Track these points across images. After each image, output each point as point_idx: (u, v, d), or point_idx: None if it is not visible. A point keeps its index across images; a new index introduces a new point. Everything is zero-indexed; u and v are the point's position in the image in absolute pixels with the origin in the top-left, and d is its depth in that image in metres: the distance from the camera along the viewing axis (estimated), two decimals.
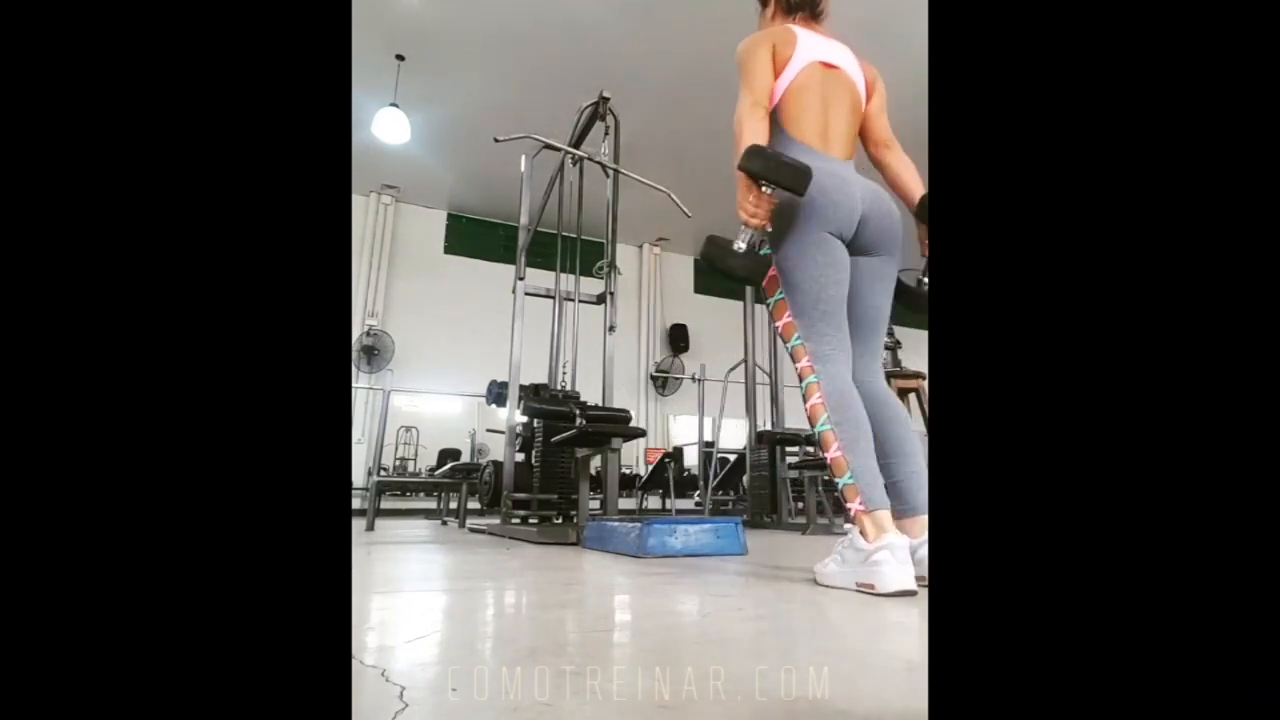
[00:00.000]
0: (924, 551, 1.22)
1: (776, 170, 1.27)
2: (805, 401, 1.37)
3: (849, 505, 1.27)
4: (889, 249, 1.45)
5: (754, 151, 1.29)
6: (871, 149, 1.60)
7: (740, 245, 1.31)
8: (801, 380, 1.39)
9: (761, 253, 1.39)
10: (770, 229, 1.37)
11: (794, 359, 1.41)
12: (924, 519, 1.33)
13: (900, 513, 1.32)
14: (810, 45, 1.50)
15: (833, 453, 1.30)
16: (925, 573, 1.20)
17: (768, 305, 1.46)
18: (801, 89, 1.46)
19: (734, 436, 6.59)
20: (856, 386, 1.38)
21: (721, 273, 1.35)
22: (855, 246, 1.43)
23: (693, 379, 6.71)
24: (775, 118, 1.46)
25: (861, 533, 1.23)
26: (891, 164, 1.56)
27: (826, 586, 1.26)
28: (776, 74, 1.46)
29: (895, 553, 1.15)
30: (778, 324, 1.43)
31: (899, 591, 1.12)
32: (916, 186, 1.51)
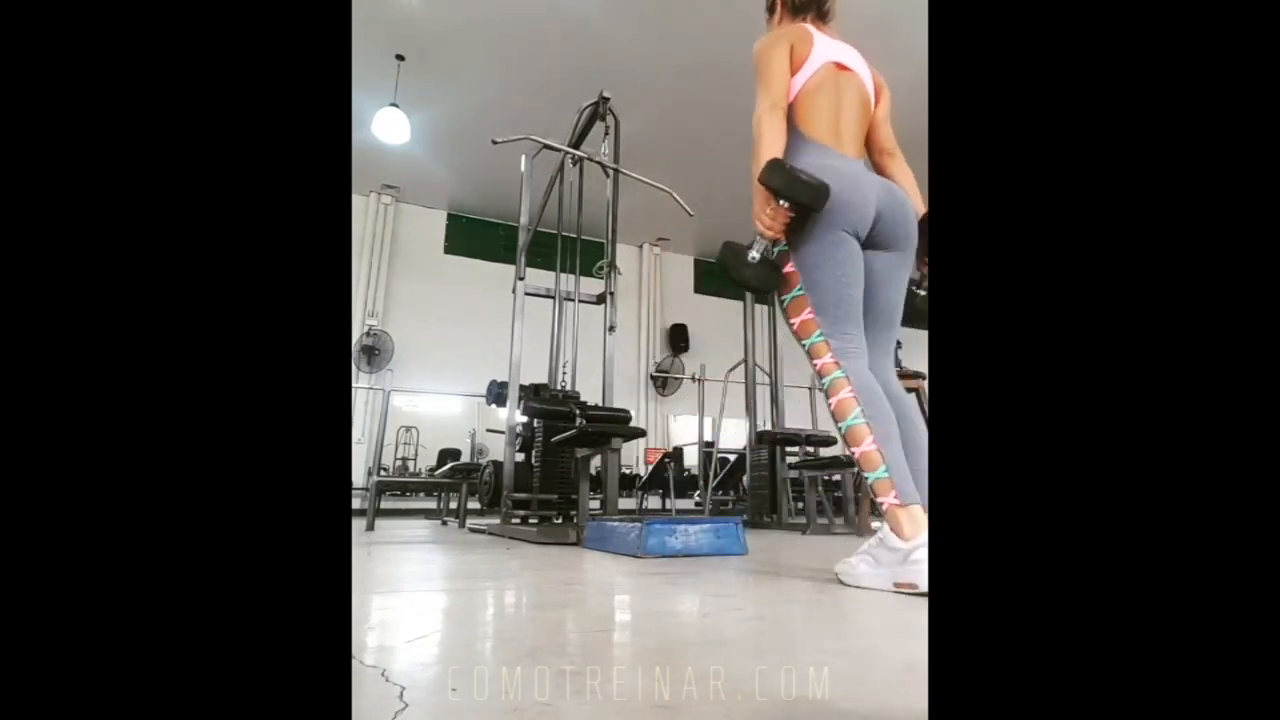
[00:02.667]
0: None
1: (795, 188, 1.30)
2: (830, 397, 1.36)
3: (881, 500, 1.25)
4: (904, 244, 1.46)
5: (774, 167, 1.32)
6: (875, 156, 1.62)
7: (755, 255, 1.36)
8: (823, 377, 1.38)
9: (777, 250, 1.41)
10: (785, 241, 1.41)
11: (813, 355, 1.40)
12: None
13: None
14: (825, 45, 1.53)
15: (865, 446, 1.28)
16: None
17: (782, 303, 1.46)
18: (817, 88, 1.49)
19: (734, 436, 6.60)
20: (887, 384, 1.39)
21: (737, 283, 1.41)
22: (870, 242, 1.44)
23: (693, 379, 6.71)
24: (790, 115, 1.48)
25: (895, 529, 1.20)
26: (894, 173, 1.58)
27: (858, 588, 1.23)
28: (793, 72, 1.49)
29: None
30: (794, 321, 1.43)
31: None
32: (918, 199, 1.53)
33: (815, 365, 1.41)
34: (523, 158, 3.97)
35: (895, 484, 1.24)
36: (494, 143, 3.58)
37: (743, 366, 4.87)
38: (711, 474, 4.82)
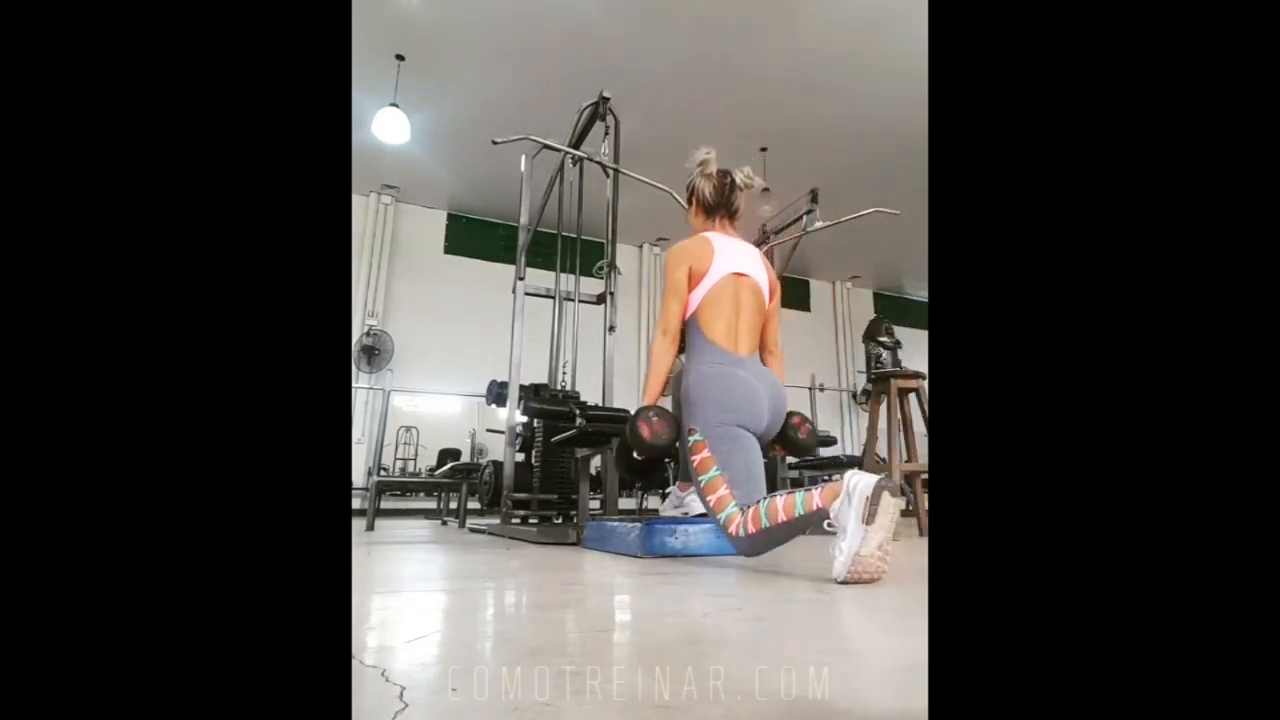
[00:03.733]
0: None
1: (645, 449, 1.74)
2: (710, 495, 1.67)
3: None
4: (774, 432, 1.82)
5: (632, 426, 1.74)
6: (762, 350, 1.94)
7: (638, 456, 1.82)
8: (714, 493, 1.66)
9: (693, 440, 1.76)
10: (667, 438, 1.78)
11: (699, 470, 1.69)
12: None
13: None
14: (725, 257, 1.86)
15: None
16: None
17: (689, 442, 1.76)
18: (716, 299, 1.83)
19: None
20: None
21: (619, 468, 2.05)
22: (765, 439, 1.80)
23: None
24: (695, 321, 1.83)
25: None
26: (773, 367, 1.93)
27: (846, 583, 1.28)
28: (694, 285, 1.84)
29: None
30: (695, 458, 1.71)
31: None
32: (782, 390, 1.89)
33: (703, 480, 1.71)
34: (523, 158, 3.97)
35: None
36: (494, 143, 3.58)
37: None
38: None
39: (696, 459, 1.70)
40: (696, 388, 1.75)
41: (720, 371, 1.76)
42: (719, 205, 1.98)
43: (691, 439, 1.73)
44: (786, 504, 1.46)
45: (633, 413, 1.79)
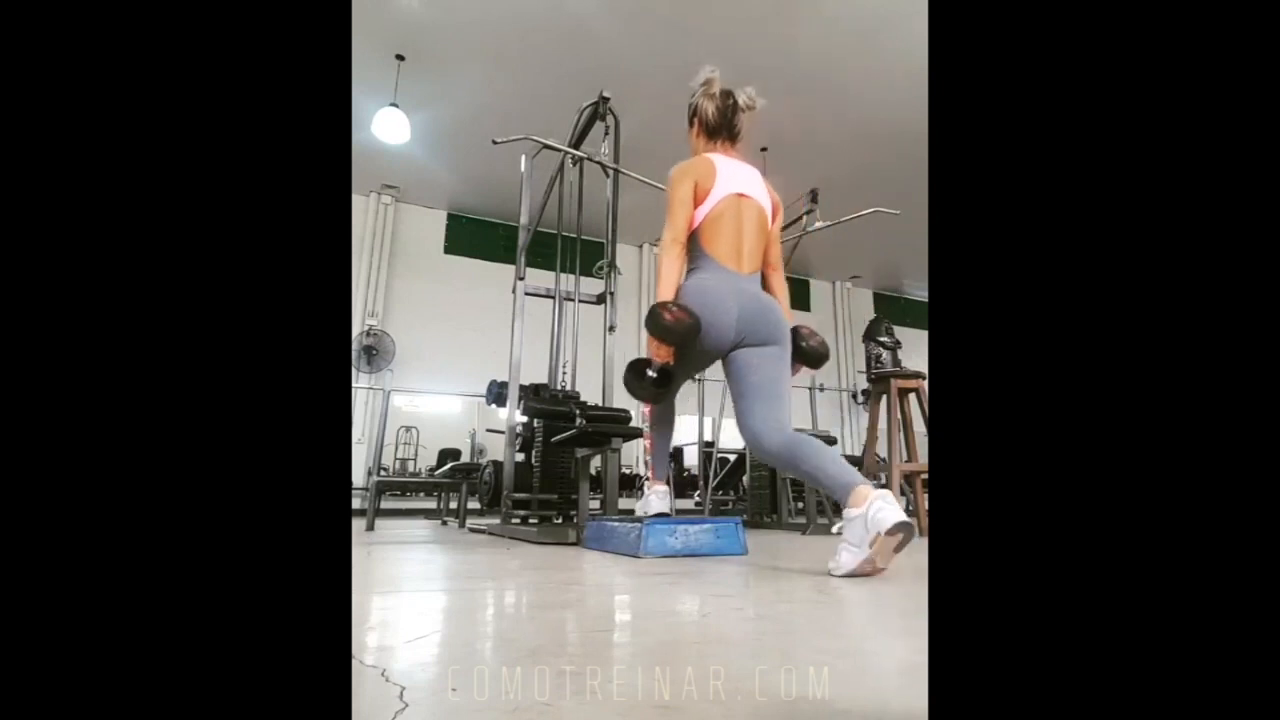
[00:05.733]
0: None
1: (667, 334, 1.70)
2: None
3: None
4: (766, 339, 1.77)
5: (651, 316, 1.70)
6: (764, 268, 1.94)
7: (651, 374, 1.81)
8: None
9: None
10: (673, 362, 1.80)
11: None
12: None
13: None
14: (727, 177, 1.85)
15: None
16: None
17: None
18: (719, 216, 1.81)
19: (734, 436, 6.57)
20: (769, 438, 1.68)
21: (636, 398, 1.96)
22: (736, 344, 1.77)
23: (693, 378, 6.69)
24: (697, 239, 1.82)
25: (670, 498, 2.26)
26: (774, 286, 1.94)
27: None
28: (698, 203, 1.82)
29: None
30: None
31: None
32: (787, 307, 1.91)
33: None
34: (523, 158, 3.97)
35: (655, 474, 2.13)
36: (494, 143, 3.58)
37: None
38: (711, 474, 4.81)
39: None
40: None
41: (697, 284, 1.77)
42: (721, 127, 1.93)
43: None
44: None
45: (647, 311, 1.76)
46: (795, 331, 1.86)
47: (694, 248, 1.83)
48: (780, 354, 1.77)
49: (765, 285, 1.91)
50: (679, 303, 1.73)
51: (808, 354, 1.88)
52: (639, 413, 4.98)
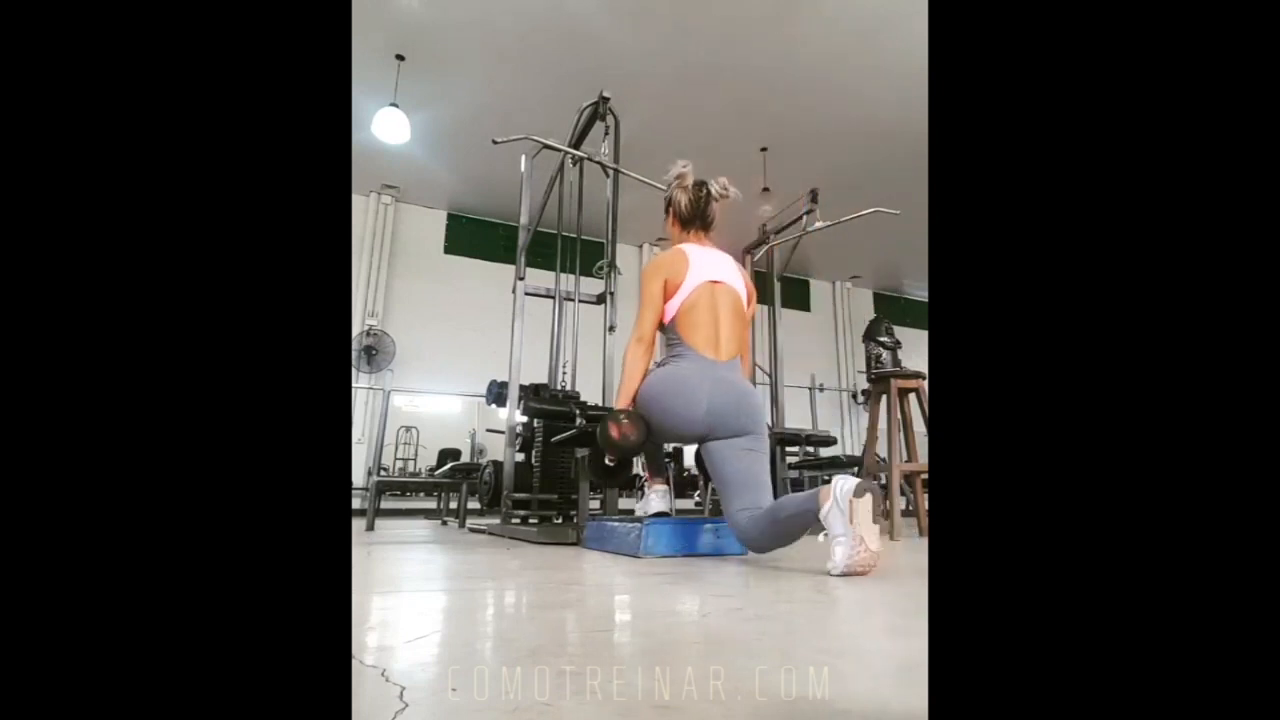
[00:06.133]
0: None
1: (612, 448, 1.86)
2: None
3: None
4: (737, 430, 1.82)
5: (602, 427, 1.84)
6: None
7: (609, 462, 2.17)
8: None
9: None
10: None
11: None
12: None
13: None
14: (700, 267, 1.93)
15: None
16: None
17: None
18: (694, 305, 1.89)
19: None
20: (751, 526, 1.69)
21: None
22: (713, 436, 1.83)
23: None
24: (675, 328, 1.91)
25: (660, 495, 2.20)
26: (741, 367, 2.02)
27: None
28: (669, 296, 1.91)
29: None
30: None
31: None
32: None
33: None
34: (523, 158, 3.97)
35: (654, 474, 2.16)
36: (494, 143, 3.58)
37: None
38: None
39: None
40: (647, 386, 1.90)
41: (670, 373, 1.86)
42: (695, 217, 2.04)
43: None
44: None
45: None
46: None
47: (672, 336, 1.92)
48: (755, 442, 1.84)
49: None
50: (631, 412, 1.86)
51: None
52: None
